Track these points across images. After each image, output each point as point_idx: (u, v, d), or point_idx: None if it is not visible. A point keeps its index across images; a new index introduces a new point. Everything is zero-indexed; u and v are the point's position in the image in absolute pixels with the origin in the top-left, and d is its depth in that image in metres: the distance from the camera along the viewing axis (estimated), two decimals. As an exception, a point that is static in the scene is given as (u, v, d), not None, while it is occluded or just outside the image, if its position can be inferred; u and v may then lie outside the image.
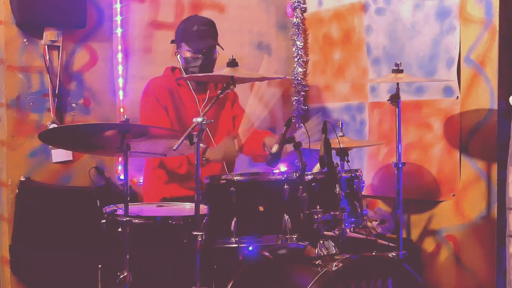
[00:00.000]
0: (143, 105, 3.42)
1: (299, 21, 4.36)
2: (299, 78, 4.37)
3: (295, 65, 4.38)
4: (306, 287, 2.38)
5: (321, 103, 4.31)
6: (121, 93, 3.76)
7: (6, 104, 3.44)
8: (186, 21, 3.48)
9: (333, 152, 2.73)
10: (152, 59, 3.86)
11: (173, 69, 3.50)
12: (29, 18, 3.42)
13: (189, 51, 3.37)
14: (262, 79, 2.92)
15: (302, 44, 4.36)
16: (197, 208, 2.43)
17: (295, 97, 4.38)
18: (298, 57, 4.37)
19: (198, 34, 3.37)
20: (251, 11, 4.32)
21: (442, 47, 3.53)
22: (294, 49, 4.38)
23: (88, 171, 3.59)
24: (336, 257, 2.53)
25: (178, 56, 3.44)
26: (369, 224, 3.67)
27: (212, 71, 3.40)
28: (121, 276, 2.50)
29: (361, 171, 2.76)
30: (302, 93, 4.37)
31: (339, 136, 3.21)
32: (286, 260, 2.77)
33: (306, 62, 4.40)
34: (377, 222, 3.68)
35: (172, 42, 3.52)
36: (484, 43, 3.33)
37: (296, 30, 4.36)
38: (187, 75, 3.36)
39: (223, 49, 3.41)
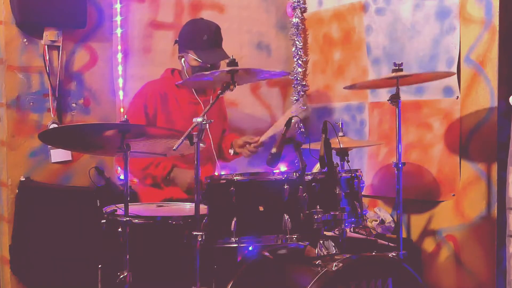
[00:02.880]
0: (130, 107, 3.48)
1: (299, 21, 4.36)
2: (298, 78, 4.36)
3: (295, 65, 4.37)
4: (306, 287, 2.38)
5: (321, 103, 4.31)
6: (121, 93, 3.77)
7: (6, 104, 3.44)
8: (194, 27, 3.43)
9: (333, 152, 2.73)
10: (152, 59, 3.86)
11: (173, 71, 3.50)
12: (29, 18, 3.42)
13: (198, 60, 3.34)
14: (261, 73, 2.91)
15: (301, 44, 4.36)
16: (197, 208, 2.43)
17: (294, 97, 4.38)
18: (297, 57, 4.37)
19: (209, 45, 3.35)
20: (251, 11, 4.32)
21: (442, 47, 3.53)
22: (293, 49, 4.37)
23: (88, 171, 3.59)
24: (336, 257, 2.53)
25: (182, 60, 3.42)
26: (369, 224, 3.67)
27: None
28: (121, 276, 2.50)
29: (361, 171, 2.75)
30: (302, 93, 4.37)
31: (339, 136, 3.21)
32: (286, 260, 2.77)
33: (305, 62, 4.40)
34: (377, 222, 3.68)
35: (176, 42, 3.49)
36: (484, 43, 3.33)
37: (296, 30, 4.36)
38: (187, 79, 3.34)
39: (230, 58, 3.39)
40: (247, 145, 3.41)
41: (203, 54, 3.34)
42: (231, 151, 3.50)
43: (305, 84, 4.37)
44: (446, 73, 3.33)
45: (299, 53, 4.36)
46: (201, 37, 3.35)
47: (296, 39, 4.36)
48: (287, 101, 4.44)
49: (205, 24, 3.44)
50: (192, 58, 3.36)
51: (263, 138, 3.33)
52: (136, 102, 3.42)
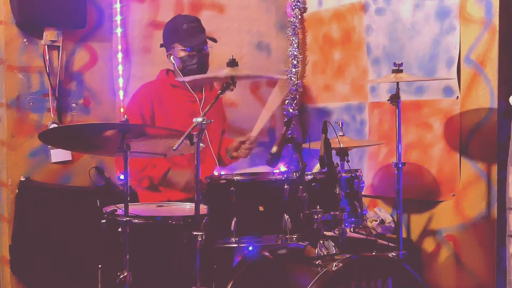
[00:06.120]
0: (128, 108, 3.47)
1: (296, 20, 4.35)
2: (292, 78, 4.34)
3: (290, 64, 4.36)
4: (306, 287, 2.38)
5: (321, 103, 4.31)
6: (121, 93, 3.77)
7: (6, 104, 3.45)
8: (173, 22, 3.48)
9: (333, 152, 2.73)
10: (152, 59, 3.86)
11: (168, 71, 3.51)
12: (29, 18, 3.43)
13: (184, 50, 3.37)
14: (259, 77, 2.92)
15: (297, 43, 4.34)
16: (197, 208, 2.43)
17: (289, 96, 4.35)
18: (292, 57, 4.36)
19: (190, 31, 3.39)
20: (251, 11, 4.32)
21: (442, 47, 3.53)
22: (290, 49, 4.36)
23: (88, 171, 3.59)
24: (336, 257, 2.53)
25: (171, 57, 3.45)
26: (369, 224, 3.67)
27: (207, 68, 3.43)
28: (121, 276, 2.50)
29: (361, 171, 2.75)
30: (296, 93, 4.34)
31: (339, 136, 3.21)
32: (286, 260, 2.77)
33: (301, 62, 4.38)
34: (377, 222, 3.68)
35: (162, 46, 3.52)
36: (484, 43, 3.33)
37: (292, 29, 4.34)
38: (184, 77, 3.34)
39: (216, 41, 3.42)
40: (242, 145, 3.40)
41: (187, 40, 3.38)
42: (228, 155, 3.50)
43: (297, 83, 4.34)
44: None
45: (295, 53, 4.35)
46: (181, 27, 3.40)
47: (292, 39, 4.35)
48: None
49: (183, 16, 3.52)
50: (178, 49, 3.39)
51: (254, 132, 3.33)
52: (132, 105, 3.43)
